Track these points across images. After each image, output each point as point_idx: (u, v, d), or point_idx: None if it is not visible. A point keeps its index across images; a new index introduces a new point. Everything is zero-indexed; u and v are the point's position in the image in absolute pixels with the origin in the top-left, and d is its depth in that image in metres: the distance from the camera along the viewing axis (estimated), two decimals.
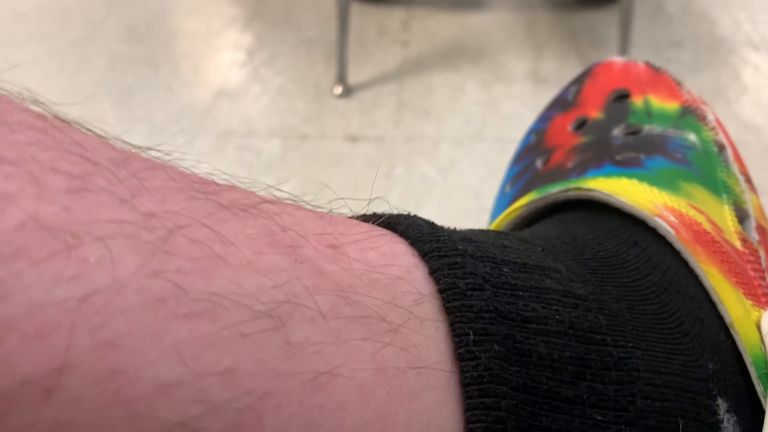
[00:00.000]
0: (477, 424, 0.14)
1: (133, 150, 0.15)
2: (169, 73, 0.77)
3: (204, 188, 0.14)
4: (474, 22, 0.85)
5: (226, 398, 0.11)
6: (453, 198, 0.57)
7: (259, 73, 0.76)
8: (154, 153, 0.15)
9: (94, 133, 0.14)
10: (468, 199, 0.57)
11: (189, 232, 0.12)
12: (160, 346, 0.11)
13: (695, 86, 0.67)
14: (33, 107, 0.14)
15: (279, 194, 0.15)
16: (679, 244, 0.21)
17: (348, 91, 0.72)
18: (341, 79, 0.72)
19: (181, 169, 0.15)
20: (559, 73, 0.74)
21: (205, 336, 0.11)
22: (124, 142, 0.15)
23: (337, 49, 0.72)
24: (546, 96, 0.58)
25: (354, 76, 0.74)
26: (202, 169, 0.15)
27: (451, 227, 0.18)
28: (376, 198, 0.17)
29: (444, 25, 0.85)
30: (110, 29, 0.86)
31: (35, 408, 0.10)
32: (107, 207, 0.12)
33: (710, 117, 0.26)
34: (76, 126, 0.14)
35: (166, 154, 0.15)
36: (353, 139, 0.65)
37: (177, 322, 0.11)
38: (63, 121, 0.14)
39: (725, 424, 0.18)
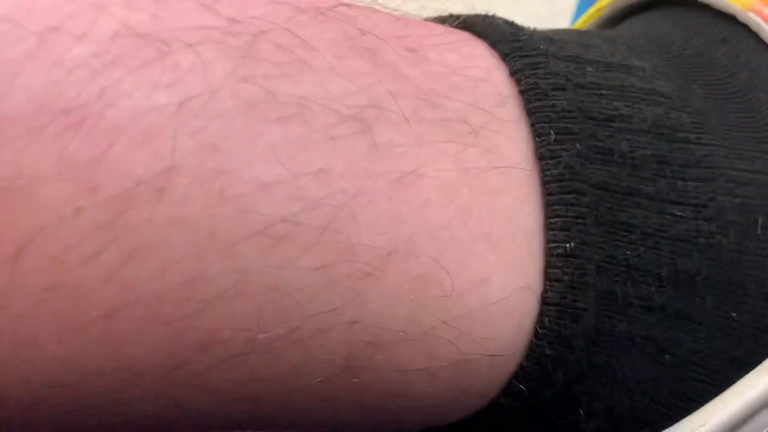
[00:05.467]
0: (556, 219, 0.14)
1: None
2: None
3: None
4: None
5: (321, 196, 0.12)
6: (524, 2, 0.54)
7: None
8: None
9: None
10: (541, 3, 0.54)
11: (272, 37, 0.12)
12: (257, 148, 0.12)
13: None
14: None
15: None
16: None
17: None
18: None
19: None
20: None
21: (297, 138, 0.12)
22: None
23: None
24: None
25: None
26: None
27: None
28: None
29: None
30: None
31: (150, 205, 0.11)
32: (192, 13, 0.12)
33: None
34: None
35: None
36: None
37: (270, 125, 0.12)
38: None
39: None
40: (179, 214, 0.11)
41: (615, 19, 0.22)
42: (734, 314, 0.16)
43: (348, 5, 0.14)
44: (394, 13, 0.15)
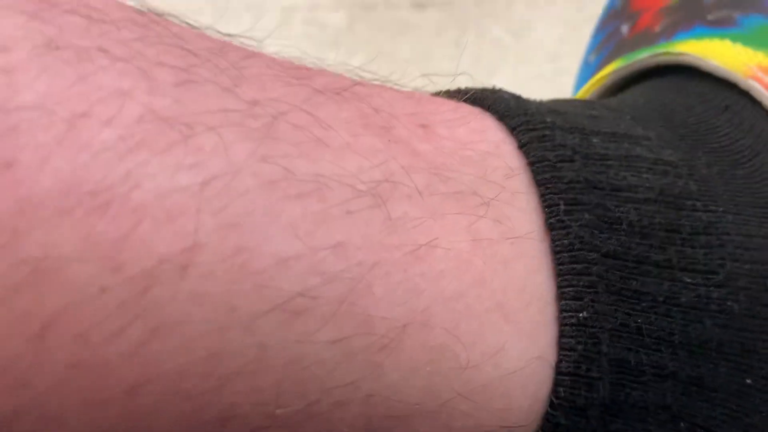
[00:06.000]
0: (568, 289, 0.15)
1: (225, 38, 0.15)
2: None
3: (297, 74, 0.14)
4: None
5: (339, 269, 0.12)
6: (528, 62, 0.56)
7: None
8: (245, 40, 0.15)
9: (188, 24, 0.15)
10: (544, 62, 0.55)
11: (291, 118, 0.13)
12: (276, 225, 0.12)
13: None
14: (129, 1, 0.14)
15: (365, 75, 0.15)
16: None
17: None
18: None
19: (272, 56, 0.15)
20: None
21: (315, 214, 0.12)
22: (218, 31, 0.15)
23: None
24: None
25: None
26: (273, 48, 0.15)
27: (529, 93, 0.18)
28: (461, 74, 0.17)
29: None
30: None
31: (173, 283, 0.11)
32: (213, 97, 0.13)
33: None
34: (172, 18, 0.14)
35: (258, 41, 0.15)
36: (421, 6, 0.63)
37: (290, 202, 0.12)
38: (159, 14, 0.14)
39: None
40: (201, 291, 0.11)
41: (617, 88, 0.23)
42: (749, 380, 0.16)
43: (362, 84, 0.15)
44: (407, 90, 0.16)
